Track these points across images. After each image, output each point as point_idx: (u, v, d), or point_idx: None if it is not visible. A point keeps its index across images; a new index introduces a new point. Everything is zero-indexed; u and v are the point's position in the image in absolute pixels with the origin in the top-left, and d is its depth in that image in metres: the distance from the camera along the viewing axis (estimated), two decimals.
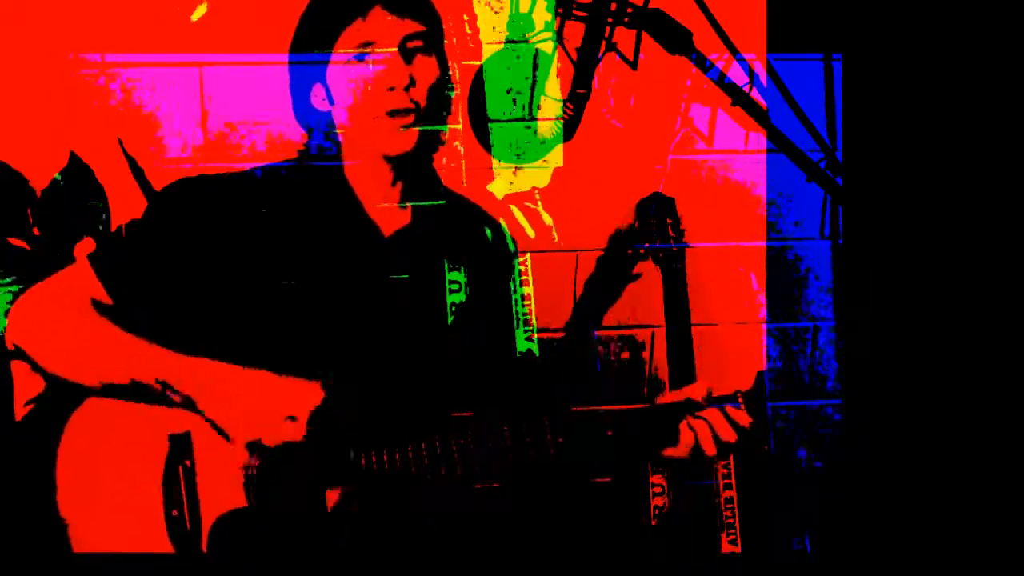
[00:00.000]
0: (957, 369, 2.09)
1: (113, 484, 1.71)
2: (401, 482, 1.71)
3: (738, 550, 2.15)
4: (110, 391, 1.72)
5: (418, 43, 1.83)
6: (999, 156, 2.08)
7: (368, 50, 1.82)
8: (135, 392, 1.71)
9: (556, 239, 2.18)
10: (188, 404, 1.70)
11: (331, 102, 1.86)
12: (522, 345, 2.15)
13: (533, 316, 2.17)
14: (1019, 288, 2.08)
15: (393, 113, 1.82)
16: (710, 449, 1.72)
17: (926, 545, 2.07)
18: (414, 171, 1.91)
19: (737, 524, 2.15)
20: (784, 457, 2.27)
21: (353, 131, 1.88)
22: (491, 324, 2.02)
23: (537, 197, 2.18)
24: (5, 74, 2.06)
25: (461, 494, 1.89)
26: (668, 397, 1.77)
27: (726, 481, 2.17)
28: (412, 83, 1.82)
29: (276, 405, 1.68)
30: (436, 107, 1.88)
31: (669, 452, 1.74)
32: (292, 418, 1.67)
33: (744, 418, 1.73)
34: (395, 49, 1.82)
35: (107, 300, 1.79)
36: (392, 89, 1.81)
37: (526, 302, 2.16)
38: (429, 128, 1.87)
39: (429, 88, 1.85)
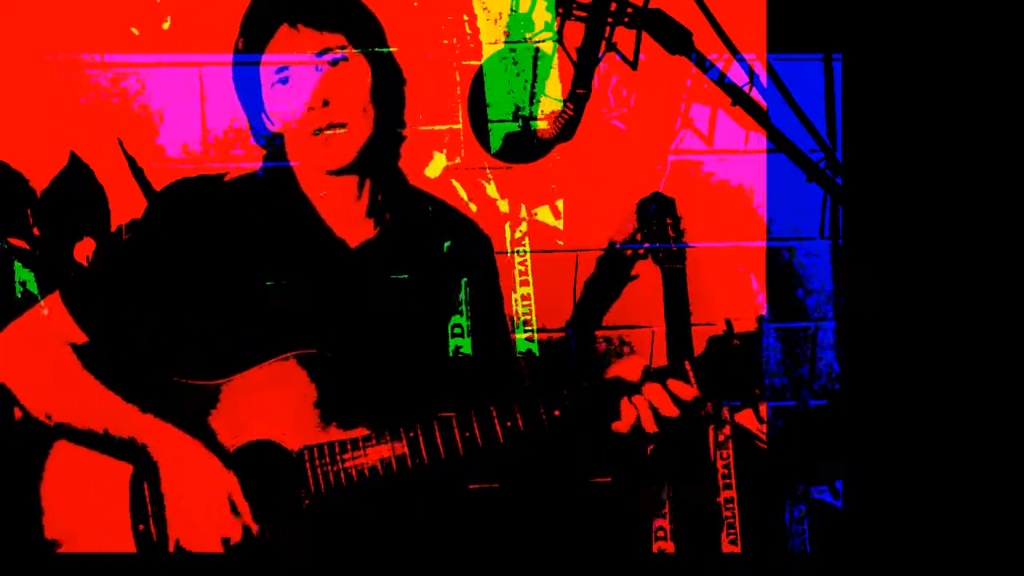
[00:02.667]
0: (957, 368, 2.09)
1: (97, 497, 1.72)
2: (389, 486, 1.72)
3: (738, 550, 2.15)
4: (71, 434, 1.74)
5: (337, 54, 1.76)
6: (999, 156, 2.08)
7: (286, 72, 1.77)
8: (91, 440, 1.73)
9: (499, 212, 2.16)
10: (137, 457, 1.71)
11: (271, 121, 1.83)
12: (522, 345, 2.15)
13: (533, 316, 2.17)
14: (1019, 287, 2.08)
15: (318, 131, 1.77)
16: (650, 426, 1.70)
17: (927, 544, 2.07)
18: (376, 176, 1.88)
19: (737, 524, 2.15)
20: (784, 456, 2.27)
21: (293, 149, 1.85)
22: (485, 324, 2.01)
23: (490, 175, 2.16)
24: (5, 74, 2.06)
25: (457, 494, 1.89)
26: (607, 373, 1.75)
27: (726, 481, 2.17)
28: (329, 101, 1.76)
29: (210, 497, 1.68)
30: (381, 111, 1.82)
31: (615, 427, 1.73)
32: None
33: (687, 391, 1.70)
34: (311, 66, 1.75)
35: (79, 339, 1.79)
36: (312, 109, 1.77)
37: (526, 302, 2.16)
38: (371, 139, 1.81)
39: (370, 92, 1.79)
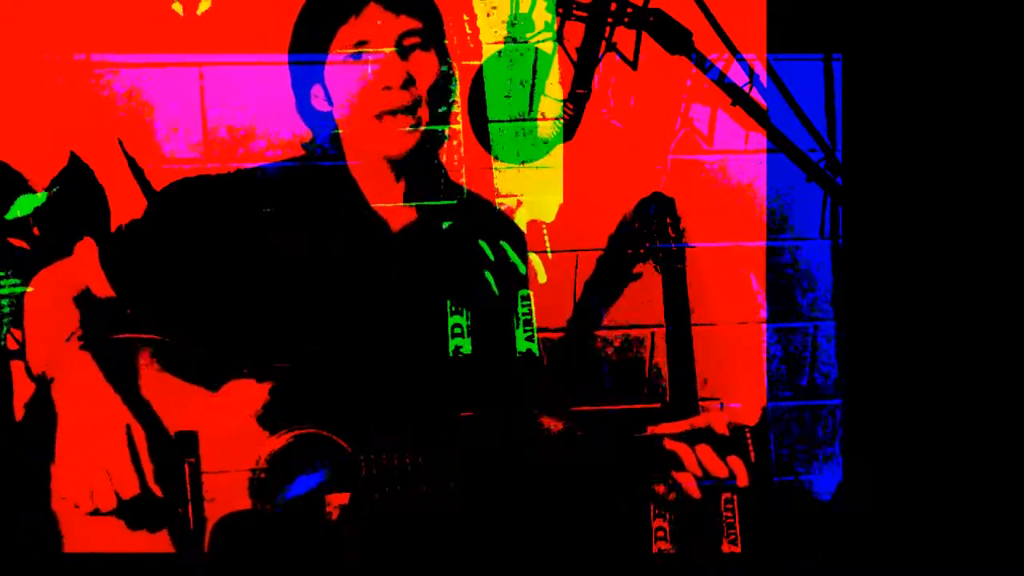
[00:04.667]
0: (957, 368, 2.09)
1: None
2: (402, 482, 1.71)
3: (738, 550, 2.15)
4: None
5: (415, 40, 1.82)
6: (999, 156, 2.08)
7: (363, 49, 1.81)
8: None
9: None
10: None
11: (330, 103, 1.86)
12: (522, 345, 2.15)
13: (533, 316, 2.17)
14: (1019, 287, 2.08)
15: (391, 113, 1.82)
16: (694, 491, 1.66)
17: (927, 544, 2.07)
18: (417, 168, 1.91)
19: (737, 524, 2.15)
20: (784, 458, 2.27)
21: (353, 131, 1.87)
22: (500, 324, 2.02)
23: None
24: (5, 74, 2.06)
25: (461, 494, 1.89)
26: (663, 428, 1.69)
27: (729, 482, 2.17)
28: (411, 81, 1.81)
29: None
30: (437, 104, 1.87)
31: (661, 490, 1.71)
32: None
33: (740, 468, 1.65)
34: (391, 47, 1.81)
35: (99, 293, 1.80)
36: (388, 88, 1.81)
37: (526, 302, 2.16)
38: (431, 128, 1.87)
39: (429, 86, 1.84)
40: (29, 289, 1.85)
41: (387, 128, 1.82)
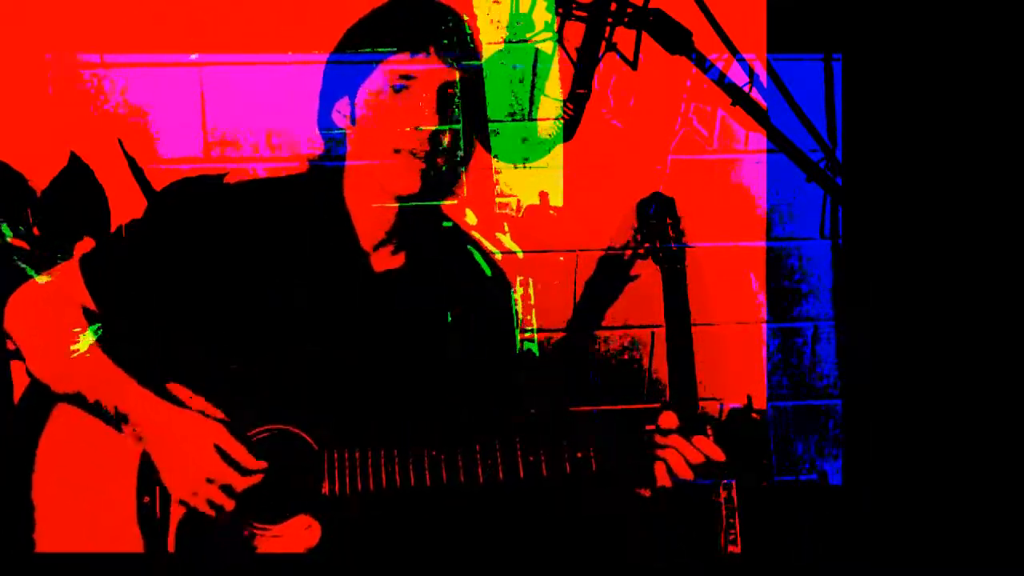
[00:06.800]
0: (957, 368, 2.09)
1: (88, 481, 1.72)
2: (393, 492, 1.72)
3: (738, 550, 2.15)
4: (76, 401, 1.75)
5: (453, 91, 1.82)
6: (999, 156, 2.08)
7: (408, 83, 1.81)
8: (96, 411, 1.74)
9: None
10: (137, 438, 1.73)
11: (352, 122, 1.85)
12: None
13: (533, 316, 2.17)
14: (1019, 288, 2.09)
15: (410, 152, 1.81)
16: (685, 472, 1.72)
17: (927, 543, 2.07)
18: (417, 209, 1.91)
19: (737, 524, 2.15)
20: (784, 458, 2.27)
21: (365, 155, 1.86)
22: (492, 364, 2.02)
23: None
24: (5, 74, 2.06)
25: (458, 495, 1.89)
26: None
27: (726, 481, 2.17)
28: (442, 129, 1.82)
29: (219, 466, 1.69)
30: (454, 157, 1.88)
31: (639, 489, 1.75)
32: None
33: (714, 451, 1.73)
34: (434, 91, 1.80)
35: (94, 308, 1.80)
36: (420, 129, 1.80)
37: (526, 302, 2.16)
38: (442, 176, 1.86)
39: (450, 140, 1.84)
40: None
41: (403, 165, 1.81)
